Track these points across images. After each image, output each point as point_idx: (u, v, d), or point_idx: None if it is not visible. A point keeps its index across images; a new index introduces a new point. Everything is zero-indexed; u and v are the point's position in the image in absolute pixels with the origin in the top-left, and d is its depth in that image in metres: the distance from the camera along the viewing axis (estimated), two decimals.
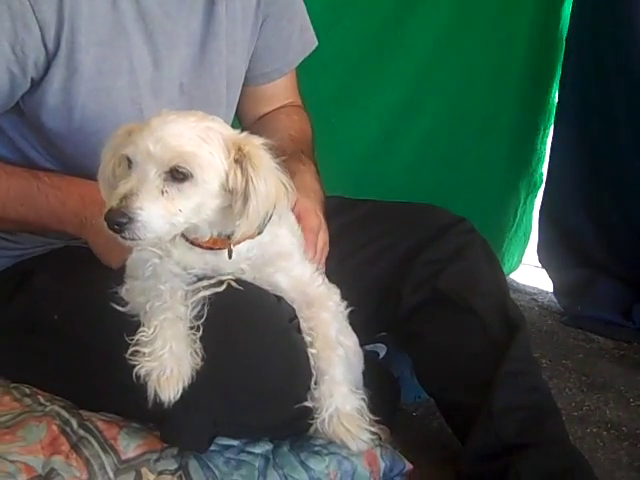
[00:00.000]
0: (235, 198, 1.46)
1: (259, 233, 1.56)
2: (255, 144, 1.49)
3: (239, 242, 1.55)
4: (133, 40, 1.77)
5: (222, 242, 1.55)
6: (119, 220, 1.35)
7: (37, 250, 1.90)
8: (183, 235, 1.54)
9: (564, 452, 1.83)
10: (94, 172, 1.77)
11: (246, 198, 1.45)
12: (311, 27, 2.21)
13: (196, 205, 1.43)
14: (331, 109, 3.06)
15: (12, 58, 1.64)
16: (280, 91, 2.19)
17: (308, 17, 2.20)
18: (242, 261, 1.59)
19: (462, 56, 3.49)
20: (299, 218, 1.79)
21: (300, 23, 2.17)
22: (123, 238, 1.38)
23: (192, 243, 1.56)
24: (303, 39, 2.19)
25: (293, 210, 1.75)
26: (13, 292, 1.81)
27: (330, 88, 3.07)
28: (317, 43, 2.23)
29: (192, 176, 1.41)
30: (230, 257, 1.56)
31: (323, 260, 1.86)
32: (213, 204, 1.47)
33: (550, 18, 3.83)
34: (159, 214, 1.38)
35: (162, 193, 1.39)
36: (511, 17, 3.62)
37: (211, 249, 1.56)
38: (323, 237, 1.86)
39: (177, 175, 1.39)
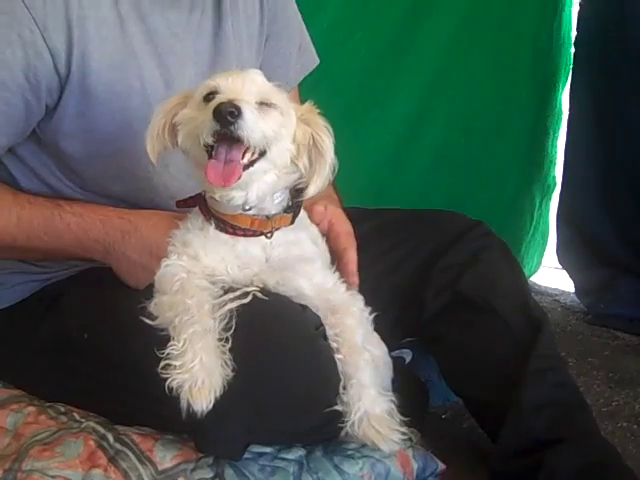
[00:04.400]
0: (301, 153, 1.59)
1: (292, 222, 1.66)
2: (312, 110, 1.63)
3: (309, 196, 1.63)
4: (143, 62, 1.81)
5: (260, 223, 1.61)
6: (230, 110, 1.42)
7: (64, 273, 1.93)
8: (221, 220, 1.61)
9: (596, 445, 1.83)
10: (114, 194, 1.83)
11: (311, 154, 1.59)
12: (312, 45, 2.24)
13: (280, 129, 1.54)
14: (344, 122, 3.04)
15: (26, 86, 1.68)
16: None
17: (308, 36, 2.23)
18: (269, 257, 1.64)
19: (471, 63, 3.53)
20: (331, 224, 1.86)
21: (299, 42, 2.19)
22: (229, 133, 1.44)
23: (227, 231, 1.61)
24: (303, 58, 2.21)
25: (324, 216, 1.83)
26: (43, 314, 1.84)
27: (342, 101, 3.10)
28: (318, 61, 2.25)
29: (278, 108, 1.54)
30: (271, 236, 1.62)
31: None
32: (289, 142, 1.58)
33: (555, 21, 3.85)
34: (258, 121, 1.47)
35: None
36: (517, 22, 3.66)
37: (247, 234, 1.61)
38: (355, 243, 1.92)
39: (265, 104, 1.52)
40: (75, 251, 1.82)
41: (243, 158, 1.49)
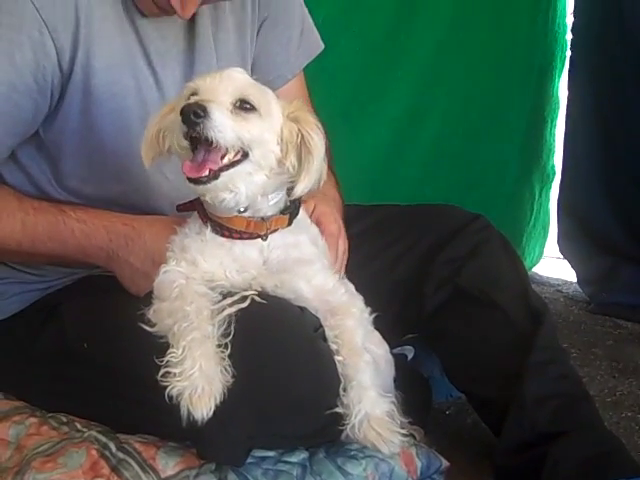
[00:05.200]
0: (289, 152, 1.56)
1: (289, 224, 1.64)
2: (302, 107, 1.62)
3: (299, 195, 1.61)
4: (136, 62, 1.82)
5: (256, 225, 1.61)
6: (195, 110, 1.41)
7: (62, 281, 1.94)
8: (217, 223, 1.60)
9: (599, 437, 1.84)
10: (111, 196, 1.84)
11: (300, 153, 1.56)
12: (315, 30, 2.20)
13: (259, 133, 1.51)
14: (340, 118, 3.09)
15: (35, 87, 1.69)
16: (286, 98, 2.20)
17: (310, 20, 2.19)
18: (267, 260, 1.64)
19: (466, 55, 3.53)
20: (318, 224, 1.83)
21: (301, 27, 2.15)
22: (197, 134, 1.43)
23: (223, 234, 1.61)
24: (306, 43, 2.16)
25: (311, 216, 1.79)
26: (42, 324, 1.84)
27: (338, 97, 3.11)
28: (323, 46, 2.21)
29: (257, 110, 1.51)
30: (266, 238, 1.62)
31: (343, 267, 1.89)
32: (274, 144, 1.55)
33: (550, 9, 3.85)
34: (229, 122, 1.45)
35: (230, 113, 1.48)
36: (512, 11, 3.67)
37: (242, 237, 1.61)
38: (343, 244, 1.90)
39: (244, 106, 1.50)
40: (79, 257, 1.81)
41: (223, 159, 1.48)
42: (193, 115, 1.41)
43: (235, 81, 1.53)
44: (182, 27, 1.90)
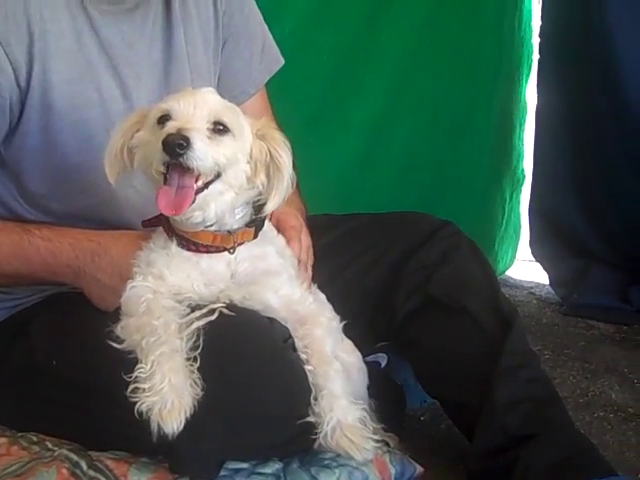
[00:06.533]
0: (259, 170, 1.59)
1: (255, 236, 1.66)
2: (269, 124, 1.66)
3: (269, 211, 1.64)
4: (100, 74, 1.81)
5: (222, 239, 1.62)
6: (179, 142, 1.43)
7: (31, 299, 1.93)
8: (183, 237, 1.61)
9: (569, 439, 1.84)
10: (79, 211, 1.83)
11: (269, 170, 1.60)
12: (275, 46, 2.22)
13: (233, 155, 1.54)
14: (310, 128, 3.09)
15: None
16: (250, 113, 2.21)
17: (271, 37, 2.21)
18: (234, 272, 1.64)
19: (433, 62, 3.55)
20: (279, 222, 1.85)
21: (262, 43, 2.17)
22: (179, 163, 1.45)
23: (189, 249, 1.61)
24: (267, 59, 2.18)
25: (272, 218, 1.80)
26: (11, 343, 1.83)
27: (306, 107, 3.11)
28: (283, 61, 2.23)
29: (230, 131, 1.54)
30: (233, 251, 1.63)
31: (310, 262, 1.91)
32: (244, 164, 1.58)
33: (516, 14, 3.88)
34: (209, 151, 1.48)
35: (208, 139, 1.50)
36: (478, 18, 3.69)
37: (209, 251, 1.62)
38: (306, 239, 1.92)
39: (218, 128, 1.52)
40: (45, 275, 1.81)
41: (197, 182, 1.50)
42: (177, 147, 1.43)
43: (209, 103, 1.54)
44: (157, 38, 1.91)
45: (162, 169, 1.48)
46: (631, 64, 3.39)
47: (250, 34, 2.14)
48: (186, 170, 1.47)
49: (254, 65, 2.16)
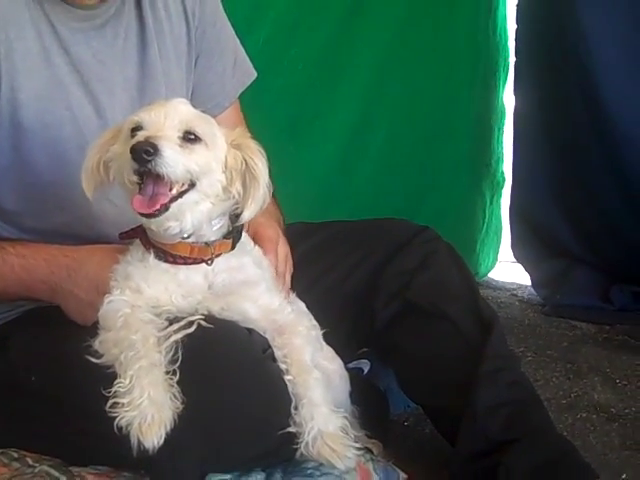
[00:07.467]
0: (234, 179, 1.58)
1: (232, 248, 1.66)
2: (244, 134, 1.65)
3: (244, 221, 1.64)
4: (71, 91, 1.81)
5: (200, 250, 1.62)
6: (147, 149, 1.43)
7: (9, 314, 1.91)
8: (160, 249, 1.61)
9: (551, 442, 1.85)
10: (55, 227, 1.83)
11: (245, 179, 1.59)
12: (247, 59, 2.23)
13: (206, 163, 1.54)
14: (287, 137, 3.11)
15: None
16: (224, 125, 2.21)
17: (243, 50, 2.22)
18: (212, 284, 1.64)
19: (410, 67, 3.58)
20: (255, 233, 1.85)
21: (234, 57, 2.18)
22: (149, 170, 1.45)
23: (167, 260, 1.61)
24: (239, 72, 2.19)
25: (248, 229, 1.80)
26: None
27: (283, 116, 3.13)
28: (256, 74, 2.24)
29: (203, 140, 1.54)
30: (211, 263, 1.63)
31: (289, 273, 1.91)
32: (219, 173, 1.57)
33: (490, 19, 3.91)
34: (179, 158, 1.47)
35: (179, 147, 1.50)
36: (452, 24, 3.72)
37: (187, 262, 1.61)
38: (283, 249, 1.92)
39: (189, 137, 1.52)
40: (21, 292, 1.80)
41: (171, 190, 1.50)
42: (144, 154, 1.43)
43: (180, 113, 1.54)
44: (131, 55, 1.91)
45: (135, 178, 1.48)
46: (606, 66, 3.41)
47: (222, 48, 2.14)
48: (159, 178, 1.47)
49: (227, 78, 2.17)
